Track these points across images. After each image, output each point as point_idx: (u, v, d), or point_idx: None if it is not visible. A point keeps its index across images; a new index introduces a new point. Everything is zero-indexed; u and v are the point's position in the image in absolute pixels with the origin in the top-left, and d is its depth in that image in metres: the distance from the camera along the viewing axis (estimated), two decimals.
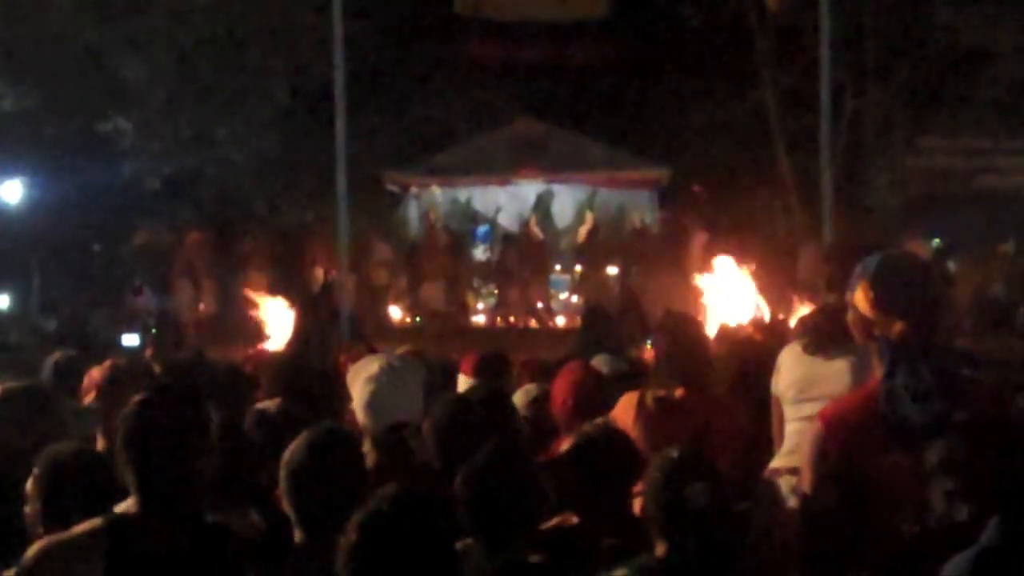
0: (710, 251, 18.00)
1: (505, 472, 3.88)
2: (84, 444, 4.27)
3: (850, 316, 3.65)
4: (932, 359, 3.50)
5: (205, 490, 3.42)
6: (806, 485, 3.59)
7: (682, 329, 5.77)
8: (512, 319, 20.82)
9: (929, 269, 3.75)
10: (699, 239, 18.64)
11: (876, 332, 3.54)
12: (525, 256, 21.08)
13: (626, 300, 13.79)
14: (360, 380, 4.98)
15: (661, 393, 5.46)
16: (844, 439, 3.52)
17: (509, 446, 4.09)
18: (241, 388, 6.41)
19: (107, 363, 5.81)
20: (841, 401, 3.82)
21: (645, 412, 5.37)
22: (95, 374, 5.67)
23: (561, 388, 5.55)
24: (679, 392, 5.46)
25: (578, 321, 15.28)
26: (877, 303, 3.54)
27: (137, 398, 3.40)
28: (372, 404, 4.90)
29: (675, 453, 3.85)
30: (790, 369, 5.71)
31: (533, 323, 20.59)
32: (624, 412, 5.42)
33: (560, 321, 20.47)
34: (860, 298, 3.59)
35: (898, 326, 3.50)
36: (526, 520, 3.91)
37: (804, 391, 5.57)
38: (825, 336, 5.54)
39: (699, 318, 7.92)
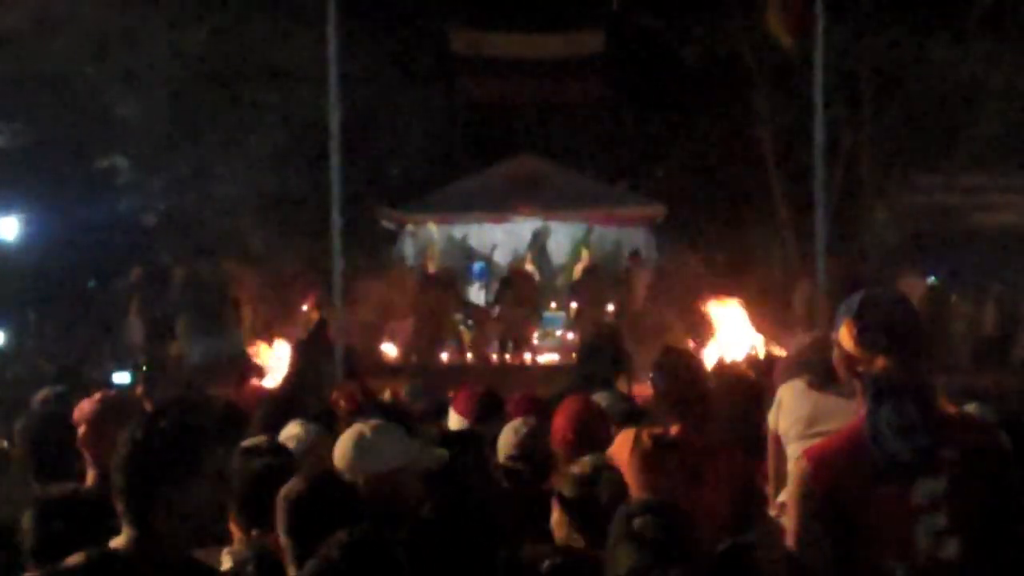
0: (706, 288, 18.12)
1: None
2: (77, 486, 4.25)
3: (835, 353, 3.67)
4: (917, 395, 3.50)
5: (200, 527, 3.41)
6: (793, 523, 3.58)
7: (680, 366, 5.74)
8: (495, 356, 20.83)
9: (911, 306, 3.75)
10: (695, 276, 18.66)
11: (860, 369, 3.55)
12: (521, 295, 21.14)
13: (604, 336, 13.71)
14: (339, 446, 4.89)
15: (658, 430, 5.44)
16: (830, 476, 3.51)
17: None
18: (236, 425, 6.40)
19: (96, 396, 5.79)
20: (827, 439, 3.81)
21: (641, 449, 5.34)
22: (85, 407, 5.66)
23: (561, 422, 5.55)
24: (675, 429, 5.43)
25: (573, 358, 15.29)
26: (860, 340, 3.56)
27: (132, 432, 3.38)
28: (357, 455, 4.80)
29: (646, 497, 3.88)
30: (793, 406, 5.64)
31: (519, 358, 20.62)
32: (620, 449, 5.41)
33: (555, 357, 20.44)
34: (844, 335, 3.61)
35: (881, 362, 3.52)
36: None
37: (811, 427, 5.50)
38: (831, 371, 5.51)
39: (697, 355, 7.88)
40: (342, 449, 4.61)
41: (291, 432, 5.55)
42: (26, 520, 3.89)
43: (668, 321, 17.14)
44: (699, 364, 6.21)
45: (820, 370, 5.55)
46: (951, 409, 3.78)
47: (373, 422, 4.80)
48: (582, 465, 4.64)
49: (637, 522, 3.76)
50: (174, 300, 19.53)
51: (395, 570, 3.25)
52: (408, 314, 20.71)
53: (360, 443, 4.57)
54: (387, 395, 8.14)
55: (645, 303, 20.03)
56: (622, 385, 11.84)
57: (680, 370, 5.66)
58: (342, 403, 8.40)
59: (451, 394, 9.41)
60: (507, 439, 5.69)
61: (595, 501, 4.34)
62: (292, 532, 3.90)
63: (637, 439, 5.38)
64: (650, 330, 18.52)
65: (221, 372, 14.73)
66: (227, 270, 20.86)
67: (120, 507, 3.31)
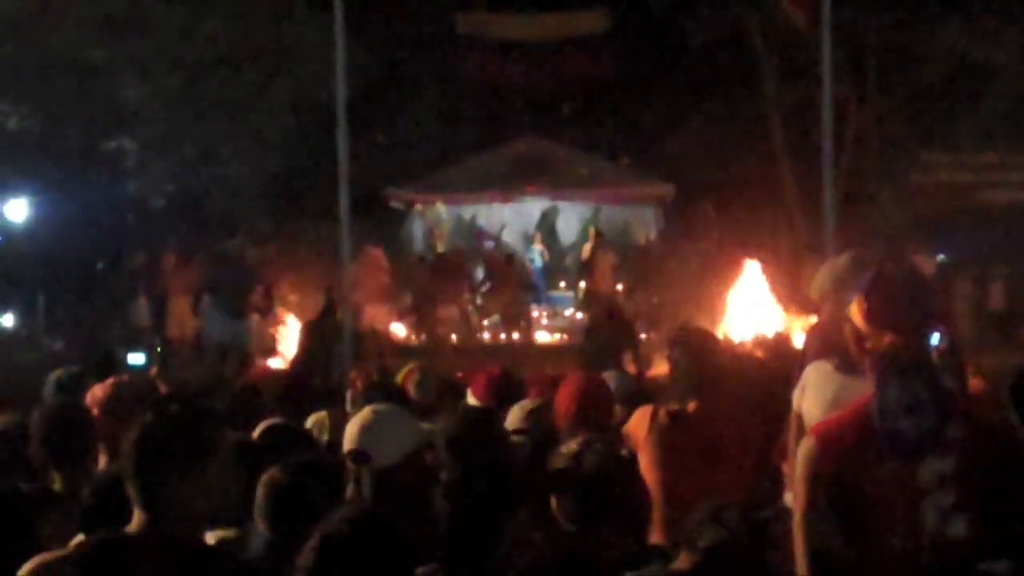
0: (714, 267, 18.14)
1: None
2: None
3: (847, 330, 3.69)
4: (925, 373, 3.51)
5: (212, 509, 3.41)
6: (800, 500, 3.60)
7: (697, 343, 5.73)
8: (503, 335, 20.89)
9: (922, 283, 3.77)
10: (703, 255, 18.70)
11: (869, 346, 3.56)
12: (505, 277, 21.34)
13: (610, 315, 13.73)
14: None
15: (675, 407, 5.45)
16: (837, 454, 3.53)
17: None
18: (255, 407, 6.43)
19: (109, 381, 5.80)
20: (834, 416, 3.83)
21: (658, 426, 5.35)
22: (97, 392, 5.66)
23: (564, 397, 5.56)
24: (692, 406, 5.44)
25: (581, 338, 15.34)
26: (869, 317, 3.57)
27: (145, 415, 3.39)
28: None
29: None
30: (818, 387, 5.60)
31: (526, 338, 20.69)
32: (637, 426, 5.42)
33: (564, 337, 20.47)
34: (855, 311, 3.63)
35: (889, 339, 3.53)
36: None
37: (833, 409, 5.47)
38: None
39: (713, 333, 7.87)
40: (350, 435, 4.61)
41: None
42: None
43: (678, 300, 17.18)
44: (716, 342, 6.21)
45: (847, 353, 5.50)
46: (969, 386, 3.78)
47: (381, 406, 4.80)
48: (574, 443, 4.64)
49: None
50: (197, 280, 19.46)
51: (400, 545, 3.26)
52: (414, 295, 20.73)
53: (368, 429, 4.56)
54: (401, 377, 8.12)
55: (654, 282, 20.05)
56: (630, 364, 11.87)
57: (697, 348, 5.65)
58: (358, 383, 8.43)
59: (459, 375, 9.47)
60: (514, 415, 5.71)
61: (579, 476, 4.33)
62: (272, 520, 3.91)
63: (654, 416, 5.40)
64: (660, 309, 18.59)
65: (242, 353, 14.79)
66: (253, 252, 20.85)
67: (131, 491, 3.32)
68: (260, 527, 3.94)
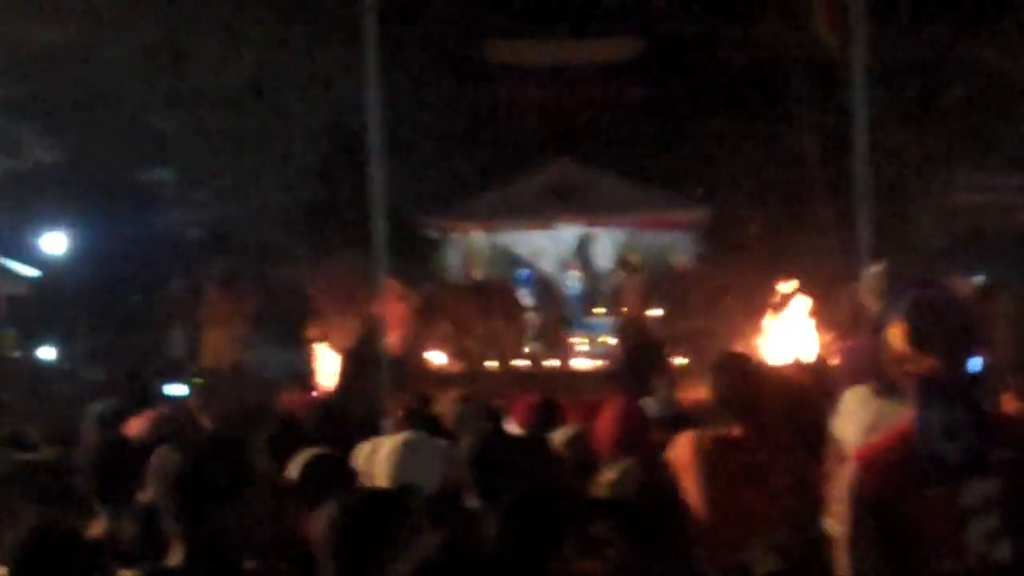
0: (752, 290, 18.09)
1: None
2: None
3: (885, 352, 3.67)
4: (966, 396, 3.49)
5: (252, 540, 3.42)
6: (844, 526, 3.58)
7: (740, 368, 5.73)
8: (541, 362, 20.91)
9: (964, 306, 3.75)
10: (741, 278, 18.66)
11: (910, 369, 3.55)
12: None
13: (644, 341, 13.73)
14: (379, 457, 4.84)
15: (719, 433, 5.45)
16: (880, 478, 3.51)
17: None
18: (293, 439, 6.42)
19: (149, 413, 5.82)
20: (876, 440, 3.81)
21: (704, 452, 5.34)
22: (135, 425, 5.69)
23: (604, 423, 5.56)
24: (736, 431, 5.43)
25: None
26: (910, 340, 3.56)
27: (183, 448, 3.41)
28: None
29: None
30: (856, 412, 5.56)
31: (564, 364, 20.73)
32: (681, 452, 5.42)
33: (601, 363, 20.44)
34: (895, 334, 3.62)
35: (930, 362, 3.52)
36: None
37: (871, 434, 5.45)
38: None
39: (754, 358, 7.86)
40: (382, 466, 4.60)
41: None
42: None
43: (716, 324, 17.13)
44: (758, 367, 6.20)
45: (886, 377, 5.47)
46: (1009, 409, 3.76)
47: (414, 435, 4.79)
48: (614, 470, 4.63)
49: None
50: (248, 311, 19.45)
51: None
52: (452, 322, 20.72)
53: (400, 461, 4.54)
54: (440, 405, 8.14)
55: (693, 307, 20.02)
56: (663, 389, 11.84)
57: (740, 373, 5.66)
58: (398, 412, 8.44)
59: (498, 402, 9.46)
60: (555, 442, 5.71)
61: (624, 502, 4.32)
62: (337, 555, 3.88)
63: (698, 441, 5.39)
64: (698, 333, 18.53)
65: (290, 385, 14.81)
66: (302, 283, 20.85)
67: (170, 525, 3.34)
68: (322, 563, 3.92)
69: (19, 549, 3.45)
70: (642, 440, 5.60)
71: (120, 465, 5.05)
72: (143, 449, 5.42)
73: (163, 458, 3.68)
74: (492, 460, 4.70)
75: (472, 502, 4.72)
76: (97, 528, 4.64)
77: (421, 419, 7.00)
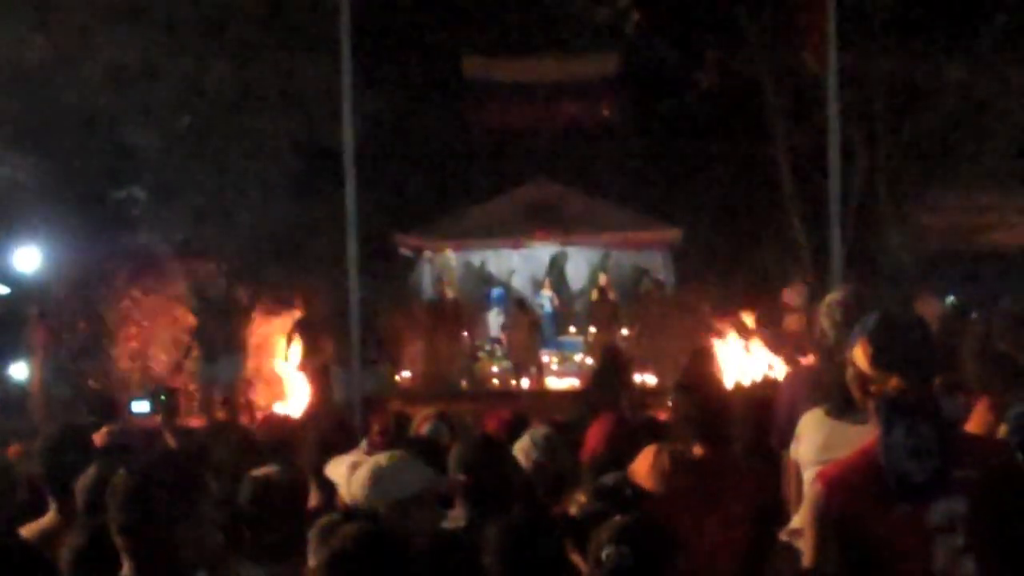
0: (723, 311, 18.15)
1: None
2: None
3: (849, 373, 3.67)
4: (931, 416, 3.49)
5: (200, 558, 3.40)
6: (808, 546, 3.57)
7: (703, 387, 5.76)
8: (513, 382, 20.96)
9: (927, 326, 3.75)
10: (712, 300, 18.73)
11: (873, 389, 3.55)
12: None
13: (609, 361, 13.71)
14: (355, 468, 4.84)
15: (679, 450, 5.45)
16: (845, 498, 3.51)
17: None
18: (251, 454, 6.40)
19: (104, 430, 5.81)
20: (841, 461, 3.81)
21: (660, 468, 5.35)
22: (96, 439, 5.66)
23: (595, 437, 5.57)
24: (698, 450, 5.44)
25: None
26: (874, 360, 3.56)
27: (127, 466, 3.40)
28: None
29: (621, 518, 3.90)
30: (810, 434, 5.60)
31: (536, 383, 20.77)
32: (641, 465, 5.42)
33: (575, 382, 20.47)
34: (859, 355, 3.61)
35: (895, 382, 3.51)
36: None
37: (823, 454, 5.47)
38: (849, 399, 5.44)
39: (718, 377, 7.90)
40: (359, 479, 4.61)
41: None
42: None
43: (684, 345, 17.16)
44: (721, 386, 6.22)
45: (838, 398, 5.47)
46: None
47: (391, 453, 4.81)
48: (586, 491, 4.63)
49: (604, 553, 3.80)
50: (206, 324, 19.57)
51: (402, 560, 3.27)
52: (420, 341, 20.77)
53: (375, 473, 4.57)
54: (416, 423, 8.13)
55: (660, 327, 20.07)
56: (627, 410, 11.86)
57: (702, 392, 5.68)
58: (375, 429, 8.42)
59: (469, 420, 9.46)
60: (526, 442, 5.70)
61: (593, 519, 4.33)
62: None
63: (657, 457, 5.39)
64: (665, 353, 18.58)
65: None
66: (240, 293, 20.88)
67: (119, 541, 3.33)
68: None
69: None
70: (629, 456, 5.61)
71: (74, 455, 5.03)
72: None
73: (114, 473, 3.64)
74: (483, 466, 4.75)
75: (462, 509, 4.80)
76: (49, 540, 4.60)
77: (401, 438, 7.01)
